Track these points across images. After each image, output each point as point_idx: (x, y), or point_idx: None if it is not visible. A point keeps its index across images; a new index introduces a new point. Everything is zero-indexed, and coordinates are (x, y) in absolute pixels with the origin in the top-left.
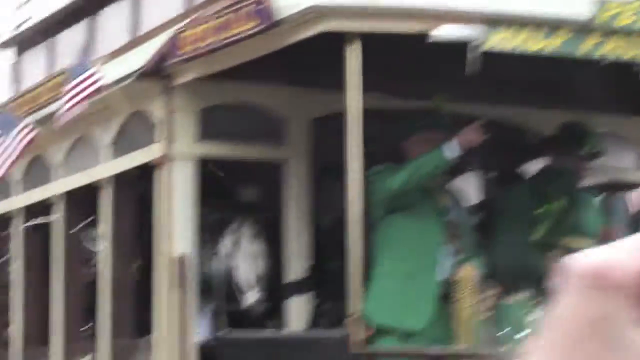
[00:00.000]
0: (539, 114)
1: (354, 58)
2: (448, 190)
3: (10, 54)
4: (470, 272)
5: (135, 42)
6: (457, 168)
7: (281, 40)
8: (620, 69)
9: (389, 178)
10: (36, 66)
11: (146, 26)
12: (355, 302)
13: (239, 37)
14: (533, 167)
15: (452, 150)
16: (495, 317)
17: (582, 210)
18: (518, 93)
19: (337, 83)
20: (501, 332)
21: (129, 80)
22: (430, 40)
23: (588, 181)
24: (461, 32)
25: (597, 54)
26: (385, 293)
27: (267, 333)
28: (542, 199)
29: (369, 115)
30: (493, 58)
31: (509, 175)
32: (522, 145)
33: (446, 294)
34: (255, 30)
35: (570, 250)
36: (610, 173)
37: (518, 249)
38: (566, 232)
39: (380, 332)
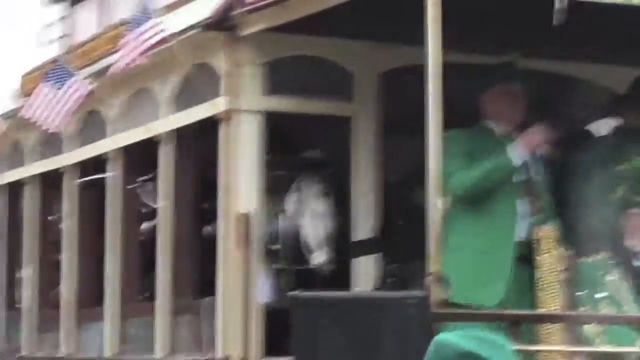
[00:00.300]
0: (615, 70)
1: (434, 5)
2: None
3: (61, 7)
4: (549, 232)
5: None
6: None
7: None
8: None
9: (454, 178)
10: (89, 19)
11: None
12: (435, 261)
13: None
14: (603, 125)
15: (518, 155)
16: (574, 277)
17: None
18: (595, 49)
19: (408, 36)
20: (580, 293)
21: (193, 32)
22: None
23: None
24: None
25: None
26: (456, 270)
27: (343, 293)
28: (621, 157)
29: (446, 70)
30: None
31: (580, 134)
32: (594, 103)
33: (524, 255)
34: None
35: None
36: None
37: (597, 208)
38: None
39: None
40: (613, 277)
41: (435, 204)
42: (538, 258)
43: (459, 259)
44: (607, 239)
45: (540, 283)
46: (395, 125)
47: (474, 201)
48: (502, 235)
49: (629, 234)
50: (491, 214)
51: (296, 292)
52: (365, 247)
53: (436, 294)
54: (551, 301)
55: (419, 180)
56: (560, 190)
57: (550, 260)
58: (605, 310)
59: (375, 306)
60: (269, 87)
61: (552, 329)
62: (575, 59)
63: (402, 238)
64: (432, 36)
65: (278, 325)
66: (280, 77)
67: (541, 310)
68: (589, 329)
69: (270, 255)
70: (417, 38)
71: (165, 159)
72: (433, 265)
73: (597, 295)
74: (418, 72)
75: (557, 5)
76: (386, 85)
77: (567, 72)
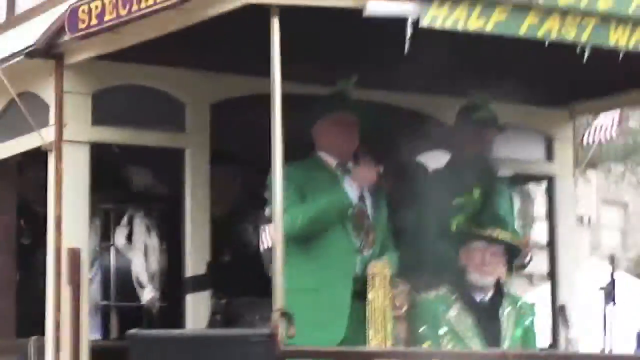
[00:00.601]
0: (447, 101)
1: (276, 35)
2: None
3: None
4: (382, 267)
5: (16, 19)
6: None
7: (186, 18)
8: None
9: (285, 216)
10: None
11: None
12: (280, 297)
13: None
14: (434, 157)
15: (353, 190)
16: (414, 313)
17: (500, 200)
18: (426, 80)
19: (240, 66)
20: (422, 329)
21: (15, 60)
22: (365, 14)
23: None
24: (398, 7)
25: (539, 34)
26: (294, 311)
27: (186, 331)
28: (457, 189)
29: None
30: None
31: (413, 166)
32: (424, 134)
33: (360, 291)
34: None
35: (490, 241)
36: (519, 165)
37: (435, 242)
38: (486, 223)
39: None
40: (455, 312)
41: (279, 239)
42: (370, 295)
43: (295, 301)
44: (448, 273)
45: (372, 321)
46: (224, 157)
47: (306, 239)
48: (338, 272)
49: (470, 268)
50: (325, 251)
51: (135, 331)
52: (197, 284)
53: (282, 330)
54: (381, 340)
55: (246, 215)
56: (396, 224)
57: (383, 297)
58: (448, 346)
59: (221, 344)
60: (97, 117)
61: None
62: (407, 90)
63: (229, 274)
64: (276, 67)
65: None
66: (109, 106)
67: (391, 347)
68: None
69: (99, 291)
70: (250, 68)
71: None
72: (278, 301)
73: (440, 331)
74: (249, 103)
75: (408, 33)
76: (218, 116)
77: (399, 103)
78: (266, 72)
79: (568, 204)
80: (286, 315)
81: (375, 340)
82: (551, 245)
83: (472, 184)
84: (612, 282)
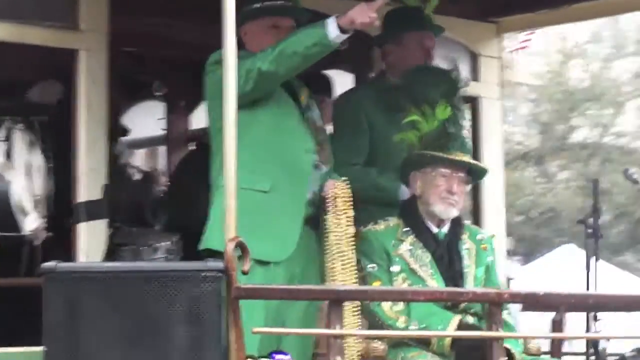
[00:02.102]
0: None
1: None
2: (305, 86)
3: None
4: (344, 189)
5: None
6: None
7: None
8: None
9: (252, 59)
10: None
11: None
12: (232, 224)
13: None
14: None
15: (335, 30)
16: (360, 249)
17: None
18: None
19: None
20: (371, 266)
21: None
22: None
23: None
24: None
25: None
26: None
27: (122, 264)
28: (414, 103)
29: None
30: None
31: None
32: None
33: (312, 215)
34: None
35: (457, 166)
36: None
37: (382, 165)
38: (451, 146)
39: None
40: (408, 246)
41: (232, 168)
42: (334, 220)
43: (243, 202)
44: (397, 203)
45: (334, 250)
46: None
47: (269, 87)
48: (293, 175)
49: (432, 199)
50: (280, 144)
51: (53, 264)
52: (92, 210)
53: (237, 265)
54: (348, 275)
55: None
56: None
57: (346, 224)
58: (403, 285)
59: (162, 280)
60: None
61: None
62: None
63: (134, 199)
64: None
65: None
66: None
67: (355, 286)
68: (387, 309)
69: None
70: None
71: None
72: (230, 233)
73: (392, 269)
74: None
75: None
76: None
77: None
78: None
79: (494, 127)
80: (240, 245)
81: (338, 274)
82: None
83: (436, 98)
84: None
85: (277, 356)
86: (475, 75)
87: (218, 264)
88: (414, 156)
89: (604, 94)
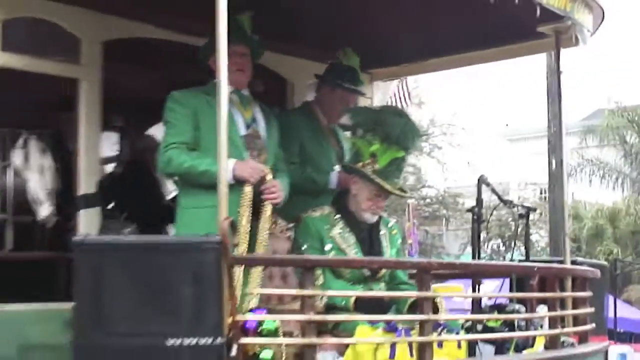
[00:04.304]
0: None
1: None
2: (255, 101)
3: None
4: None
5: None
6: None
7: None
8: None
9: (168, 153)
10: None
11: None
12: (223, 207)
13: None
14: None
15: (231, 175)
16: (299, 231)
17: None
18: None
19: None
20: (306, 246)
21: None
22: None
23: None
24: None
25: None
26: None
27: (136, 237)
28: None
29: None
30: None
31: None
32: None
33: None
34: None
35: (388, 193)
36: None
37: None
38: (391, 178)
39: None
40: (338, 230)
41: (225, 168)
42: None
43: (197, 216)
44: (331, 197)
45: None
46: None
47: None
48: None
49: (364, 206)
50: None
51: (81, 237)
52: (89, 201)
53: (230, 238)
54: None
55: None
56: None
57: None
58: None
59: (172, 251)
60: (5, 43)
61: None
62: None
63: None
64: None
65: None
66: (16, 35)
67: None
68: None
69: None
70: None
71: None
72: (223, 214)
73: (325, 247)
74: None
75: None
76: (109, 53)
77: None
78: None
79: None
80: (232, 224)
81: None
82: None
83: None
84: None
85: (257, 312)
86: None
87: (216, 238)
88: (360, 170)
89: None
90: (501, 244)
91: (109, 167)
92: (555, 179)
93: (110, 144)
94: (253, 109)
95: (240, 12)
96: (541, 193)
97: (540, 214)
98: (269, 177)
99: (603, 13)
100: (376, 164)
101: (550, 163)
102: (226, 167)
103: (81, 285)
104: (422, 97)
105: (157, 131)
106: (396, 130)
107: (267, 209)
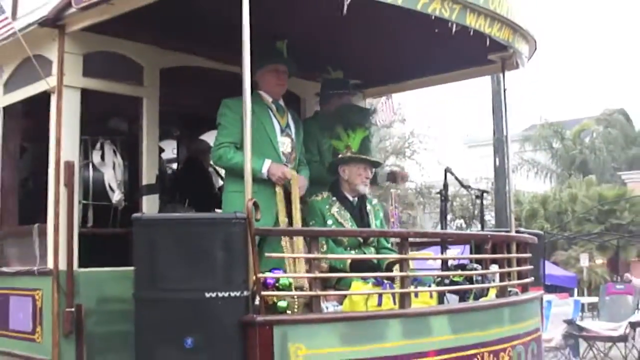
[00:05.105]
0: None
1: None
2: (288, 110)
3: None
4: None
5: None
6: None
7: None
8: None
9: (220, 150)
10: None
11: None
12: (248, 190)
13: None
14: None
15: (264, 173)
16: (307, 211)
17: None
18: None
19: (181, 44)
20: (311, 222)
21: (31, 28)
22: None
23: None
24: None
25: None
26: (236, 202)
27: (181, 215)
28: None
29: None
30: None
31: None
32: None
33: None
34: None
35: (370, 163)
36: None
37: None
38: (368, 151)
39: None
40: (336, 209)
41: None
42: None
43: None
44: (329, 184)
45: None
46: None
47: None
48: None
49: (357, 181)
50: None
51: (139, 214)
52: (150, 189)
53: (253, 215)
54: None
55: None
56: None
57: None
58: None
59: (208, 225)
60: (86, 70)
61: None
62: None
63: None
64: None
65: (90, 244)
66: (94, 64)
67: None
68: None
69: (81, 193)
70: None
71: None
72: (248, 195)
73: (328, 223)
74: (187, 71)
75: None
76: (165, 77)
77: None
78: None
79: None
80: (255, 204)
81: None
82: None
83: (359, 126)
84: None
85: (275, 271)
86: None
87: (242, 214)
88: (345, 157)
89: None
90: (463, 223)
91: (173, 166)
92: (499, 175)
93: (171, 149)
94: (287, 116)
95: (277, 39)
96: (491, 185)
97: (491, 199)
98: (294, 177)
99: (536, 44)
100: (352, 149)
101: (495, 161)
102: (249, 162)
103: (139, 252)
104: (404, 115)
105: (207, 137)
106: (354, 117)
107: (296, 201)
